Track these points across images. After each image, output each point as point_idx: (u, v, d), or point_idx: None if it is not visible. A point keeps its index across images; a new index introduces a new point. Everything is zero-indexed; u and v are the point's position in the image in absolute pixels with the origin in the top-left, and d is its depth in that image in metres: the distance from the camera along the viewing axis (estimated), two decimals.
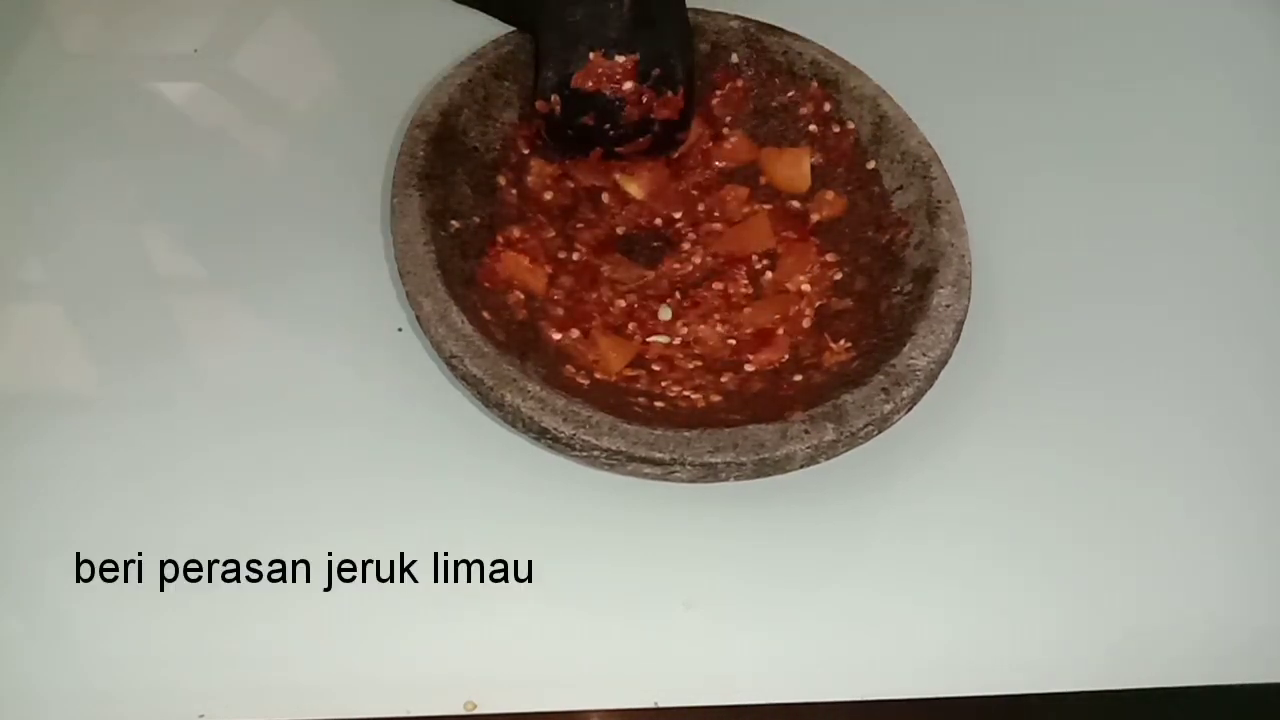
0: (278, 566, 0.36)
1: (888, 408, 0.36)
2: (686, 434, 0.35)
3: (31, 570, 0.36)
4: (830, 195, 0.45)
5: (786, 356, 0.41)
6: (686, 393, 0.39)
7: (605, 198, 0.45)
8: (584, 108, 0.44)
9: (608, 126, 0.45)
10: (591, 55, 0.44)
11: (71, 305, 0.42)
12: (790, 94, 0.46)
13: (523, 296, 0.41)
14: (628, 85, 0.44)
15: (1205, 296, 0.46)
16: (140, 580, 0.35)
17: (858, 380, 0.37)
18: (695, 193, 0.46)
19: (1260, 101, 0.54)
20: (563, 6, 0.44)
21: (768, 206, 0.45)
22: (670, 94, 0.45)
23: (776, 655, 0.36)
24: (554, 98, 0.44)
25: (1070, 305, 0.45)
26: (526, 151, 0.45)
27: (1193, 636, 0.37)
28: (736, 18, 0.47)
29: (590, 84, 0.44)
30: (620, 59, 0.44)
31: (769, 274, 0.43)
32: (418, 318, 0.38)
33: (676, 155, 0.46)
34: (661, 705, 0.34)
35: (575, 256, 0.43)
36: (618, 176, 0.46)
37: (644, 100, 0.45)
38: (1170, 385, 0.43)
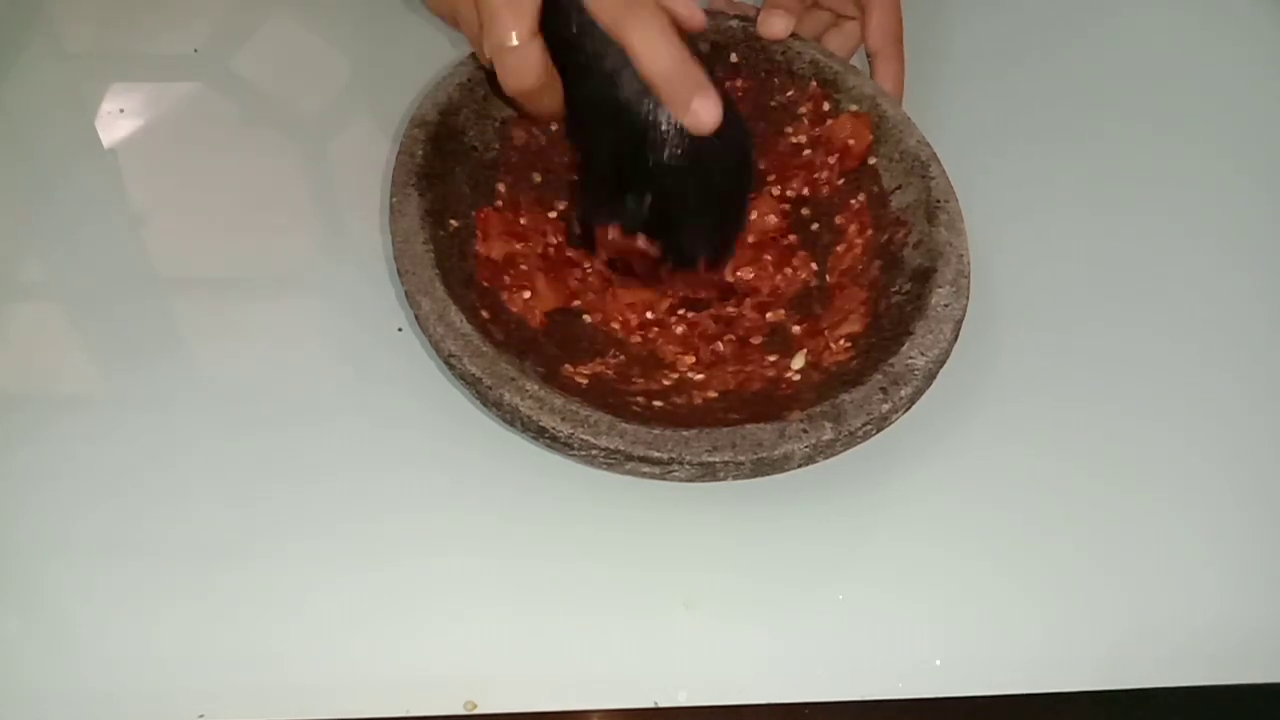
0: (278, 566, 0.36)
1: (886, 407, 0.36)
2: (685, 433, 0.35)
3: (31, 570, 0.36)
4: None
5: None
6: (686, 370, 0.40)
7: None
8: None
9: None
10: (611, 233, 0.41)
11: (71, 305, 0.43)
12: (789, 93, 0.46)
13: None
14: (643, 263, 0.42)
15: (1203, 298, 0.46)
16: (140, 581, 0.36)
17: (856, 379, 0.37)
18: None
19: (1260, 105, 0.54)
20: (593, 168, 0.42)
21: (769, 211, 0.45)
22: (689, 270, 0.43)
23: (776, 655, 0.36)
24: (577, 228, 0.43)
25: (1068, 305, 0.45)
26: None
27: (1192, 637, 0.37)
28: (737, 17, 0.47)
29: (603, 250, 0.42)
30: (641, 240, 0.41)
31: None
32: (416, 317, 0.38)
33: None
34: (661, 705, 0.34)
35: (587, 266, 0.43)
36: None
37: (661, 274, 0.43)
38: (1167, 386, 0.43)
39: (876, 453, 0.38)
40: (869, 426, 0.36)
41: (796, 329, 0.42)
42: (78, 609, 0.35)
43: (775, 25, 0.45)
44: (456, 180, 0.42)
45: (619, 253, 0.42)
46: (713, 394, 0.39)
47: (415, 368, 0.41)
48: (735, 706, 0.35)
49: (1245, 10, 0.58)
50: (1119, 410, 0.42)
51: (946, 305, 0.39)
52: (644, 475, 0.35)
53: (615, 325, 0.42)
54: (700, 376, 0.40)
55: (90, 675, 0.34)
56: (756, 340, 0.41)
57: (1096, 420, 0.42)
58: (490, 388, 0.35)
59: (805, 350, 0.40)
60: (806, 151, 0.46)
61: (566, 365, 0.39)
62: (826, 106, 0.46)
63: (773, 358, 0.41)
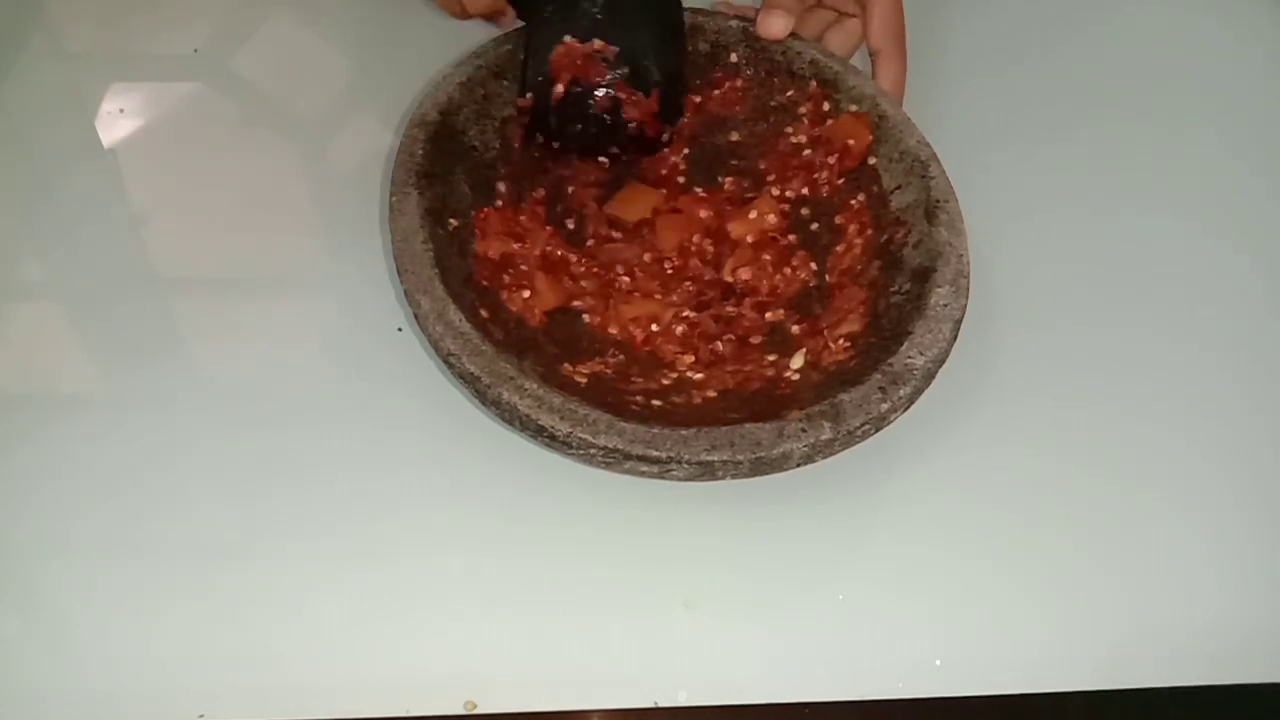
0: (278, 566, 0.36)
1: (884, 407, 0.36)
2: (683, 432, 0.35)
3: (31, 570, 0.36)
4: None
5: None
6: (685, 370, 0.40)
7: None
8: (563, 106, 0.44)
9: (581, 126, 0.45)
10: (566, 38, 0.44)
11: (71, 305, 0.43)
12: (789, 93, 0.46)
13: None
14: (600, 78, 0.44)
15: (1203, 297, 0.46)
16: (140, 581, 0.36)
17: (855, 379, 0.37)
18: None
19: (1260, 104, 0.54)
20: (541, 3, 0.44)
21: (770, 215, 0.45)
22: (643, 96, 0.45)
23: (776, 655, 0.36)
24: (529, 95, 0.44)
25: (1068, 305, 0.45)
26: (516, 145, 0.45)
27: (1192, 637, 0.37)
28: (737, 17, 0.47)
29: (564, 73, 0.44)
30: (596, 44, 0.44)
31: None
32: (415, 316, 0.38)
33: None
34: (661, 705, 0.34)
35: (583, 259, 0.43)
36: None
37: (616, 94, 0.44)
38: (1167, 386, 0.43)
39: (876, 452, 0.38)
40: (868, 426, 0.36)
41: (796, 328, 0.42)
42: (78, 609, 0.35)
43: (774, 25, 0.45)
44: (456, 180, 0.42)
45: (574, 71, 0.44)
46: (712, 393, 0.39)
47: (415, 367, 0.41)
48: (735, 706, 0.35)
49: (1245, 10, 0.58)
50: (1119, 410, 0.42)
51: (946, 305, 0.39)
52: (643, 474, 0.35)
53: (614, 330, 0.42)
54: (699, 376, 0.40)
55: (90, 675, 0.34)
56: (756, 340, 0.41)
57: (1096, 420, 0.42)
58: (489, 386, 0.35)
59: (804, 350, 0.40)
60: (806, 151, 0.46)
61: (566, 364, 0.39)
62: (826, 106, 0.45)
63: (772, 357, 0.41)
